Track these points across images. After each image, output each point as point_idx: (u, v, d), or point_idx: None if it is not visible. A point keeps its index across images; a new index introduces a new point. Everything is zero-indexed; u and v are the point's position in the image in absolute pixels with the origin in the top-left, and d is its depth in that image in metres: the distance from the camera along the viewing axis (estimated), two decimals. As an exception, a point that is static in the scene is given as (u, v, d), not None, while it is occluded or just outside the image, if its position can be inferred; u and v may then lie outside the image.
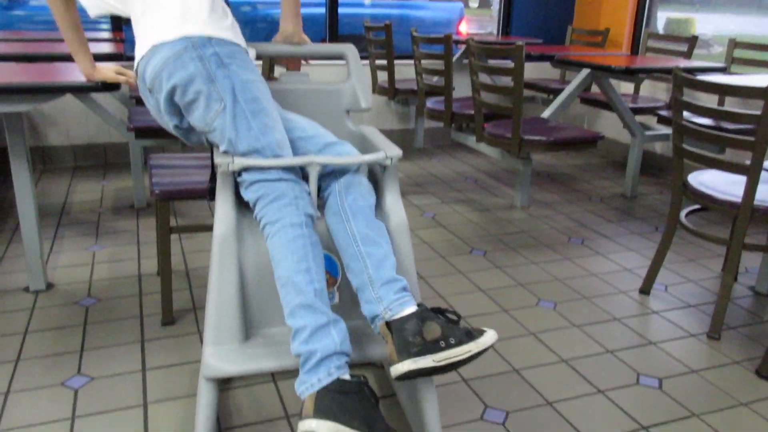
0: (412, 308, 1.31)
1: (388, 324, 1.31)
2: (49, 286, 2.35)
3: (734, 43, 3.74)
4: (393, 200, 1.49)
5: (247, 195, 1.42)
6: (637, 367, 1.95)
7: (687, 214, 2.40)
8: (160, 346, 1.98)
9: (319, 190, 1.48)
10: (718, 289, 2.16)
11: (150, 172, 2.13)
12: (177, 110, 1.48)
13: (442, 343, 1.26)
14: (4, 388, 1.75)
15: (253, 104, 1.41)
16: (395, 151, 1.46)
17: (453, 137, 3.71)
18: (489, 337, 1.29)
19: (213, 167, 1.49)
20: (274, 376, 1.84)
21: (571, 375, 1.90)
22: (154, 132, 2.73)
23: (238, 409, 1.70)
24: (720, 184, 2.22)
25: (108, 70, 1.91)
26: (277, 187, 1.38)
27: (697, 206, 2.44)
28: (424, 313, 1.31)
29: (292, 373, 1.83)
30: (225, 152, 1.43)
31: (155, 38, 1.43)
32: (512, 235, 3.00)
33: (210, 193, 1.49)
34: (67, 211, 3.13)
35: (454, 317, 1.34)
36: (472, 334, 1.29)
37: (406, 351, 1.26)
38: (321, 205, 1.49)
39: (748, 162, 1.97)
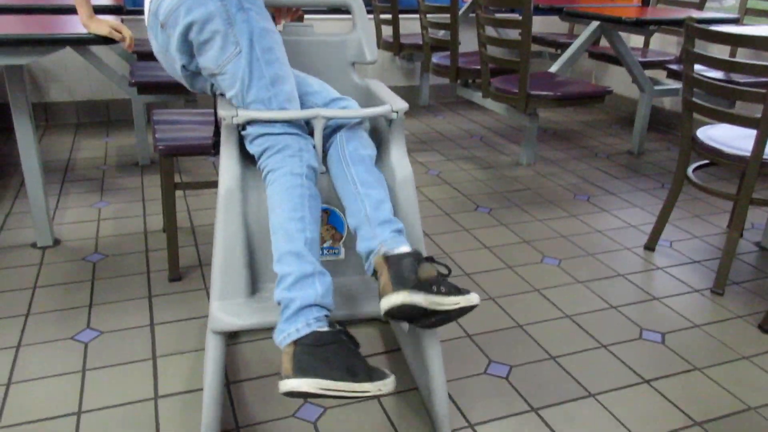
0: (407, 248, 1.31)
1: (384, 257, 1.30)
2: (56, 242, 2.36)
3: (748, -5, 3.64)
4: (399, 154, 1.48)
5: (252, 148, 1.40)
6: (640, 322, 1.96)
7: (694, 170, 2.38)
8: (168, 301, 2.00)
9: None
10: (724, 245, 2.16)
11: (153, 127, 2.11)
12: (188, 50, 1.44)
13: (435, 288, 1.26)
14: (15, 341, 1.78)
15: (268, 53, 1.39)
16: (401, 105, 1.44)
17: (459, 93, 3.66)
18: (474, 297, 1.29)
19: (217, 121, 1.47)
20: (280, 331, 1.86)
21: (575, 330, 1.91)
22: (156, 87, 2.70)
23: (245, 363, 1.73)
24: (729, 138, 2.19)
25: (104, 24, 1.87)
26: (282, 140, 1.37)
27: (704, 162, 2.41)
28: (418, 256, 1.31)
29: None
30: (229, 102, 1.41)
31: None
32: (518, 192, 2.98)
33: (214, 148, 1.48)
34: (72, 167, 3.13)
35: (445, 270, 1.33)
36: (459, 290, 1.29)
37: (402, 283, 1.25)
38: (324, 160, 1.48)
39: (758, 115, 1.94)
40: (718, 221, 2.71)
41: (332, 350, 1.20)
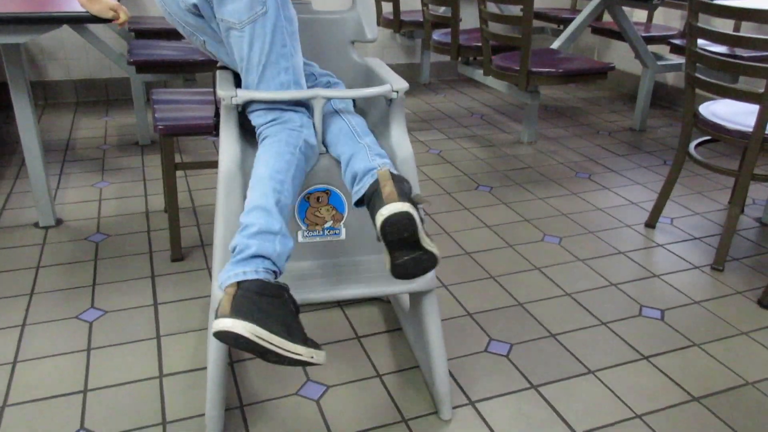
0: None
1: (390, 172, 1.30)
2: (59, 222, 2.37)
3: (753, -32, 3.58)
4: (399, 134, 1.47)
5: (255, 119, 1.40)
6: (640, 299, 1.98)
7: (696, 146, 2.37)
8: (170, 281, 2.01)
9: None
10: (724, 221, 2.16)
11: (153, 107, 2.10)
12: None
13: (423, 224, 1.29)
14: (20, 320, 1.80)
15: (291, 25, 1.38)
16: (401, 84, 1.43)
17: (460, 71, 3.64)
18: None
19: (217, 102, 1.47)
20: (282, 309, 1.88)
21: (575, 308, 1.93)
22: (155, 66, 2.69)
23: (248, 340, 1.74)
24: (731, 114, 2.18)
25: (104, 7, 1.84)
26: (286, 115, 1.38)
27: (706, 138, 2.41)
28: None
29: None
30: (225, 68, 1.40)
31: None
32: (519, 170, 2.98)
33: (215, 128, 1.47)
34: (72, 147, 3.12)
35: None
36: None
37: (406, 196, 1.27)
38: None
39: (761, 90, 1.93)
40: (719, 197, 2.71)
41: (274, 303, 1.18)
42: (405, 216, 1.23)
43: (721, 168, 2.20)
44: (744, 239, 2.36)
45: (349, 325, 1.82)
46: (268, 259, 1.22)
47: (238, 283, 1.18)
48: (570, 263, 2.17)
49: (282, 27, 1.35)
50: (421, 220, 1.27)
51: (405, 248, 1.27)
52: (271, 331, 1.14)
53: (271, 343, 1.14)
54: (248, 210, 1.27)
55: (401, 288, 1.41)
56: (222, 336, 1.14)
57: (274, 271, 1.24)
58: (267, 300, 1.17)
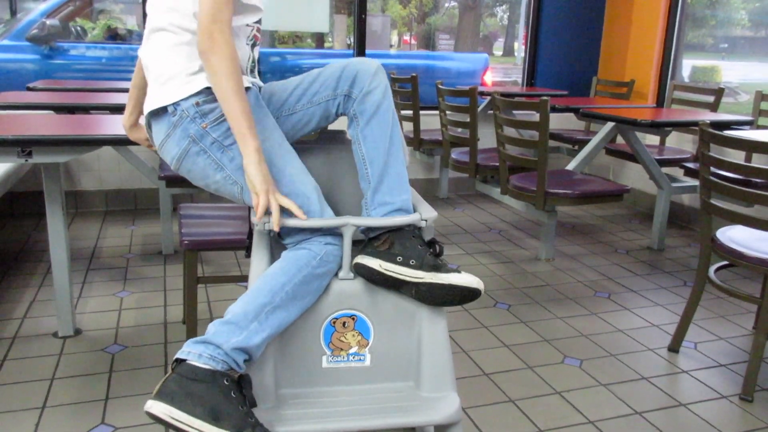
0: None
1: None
2: (77, 331, 2.38)
3: (761, 95, 3.73)
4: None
5: (287, 242, 1.44)
6: (667, 430, 1.90)
7: (716, 270, 2.36)
8: (184, 396, 1.98)
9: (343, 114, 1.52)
10: (750, 348, 2.11)
11: (180, 222, 2.17)
12: None
13: (399, 258, 1.35)
14: (29, 436, 1.77)
15: (271, 171, 1.37)
16: (430, 213, 1.46)
17: (478, 188, 3.73)
18: (458, 278, 1.34)
19: (251, 225, 1.52)
20: None
21: (599, 437, 1.85)
22: (185, 181, 2.79)
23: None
24: (750, 239, 2.19)
25: (143, 136, 1.89)
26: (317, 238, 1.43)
27: (726, 263, 2.40)
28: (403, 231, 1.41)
29: None
30: None
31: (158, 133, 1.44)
32: (537, 288, 2.97)
33: (247, 250, 1.52)
34: (97, 255, 3.19)
35: (436, 249, 1.41)
36: (438, 268, 1.35)
37: (363, 249, 1.40)
38: None
39: (778, 221, 1.94)
40: (743, 322, 2.65)
41: (202, 388, 1.21)
42: (357, 267, 1.38)
43: (743, 294, 2.17)
44: (772, 367, 2.29)
45: (364, 451, 1.76)
46: (221, 347, 1.26)
47: (179, 361, 1.25)
48: (592, 388, 2.11)
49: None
50: (397, 259, 1.34)
51: (400, 287, 1.37)
52: (191, 414, 1.17)
53: (190, 426, 1.17)
54: (244, 309, 1.31)
55: (425, 419, 1.37)
56: (150, 417, 1.20)
57: (224, 361, 1.26)
58: (195, 384, 1.21)
